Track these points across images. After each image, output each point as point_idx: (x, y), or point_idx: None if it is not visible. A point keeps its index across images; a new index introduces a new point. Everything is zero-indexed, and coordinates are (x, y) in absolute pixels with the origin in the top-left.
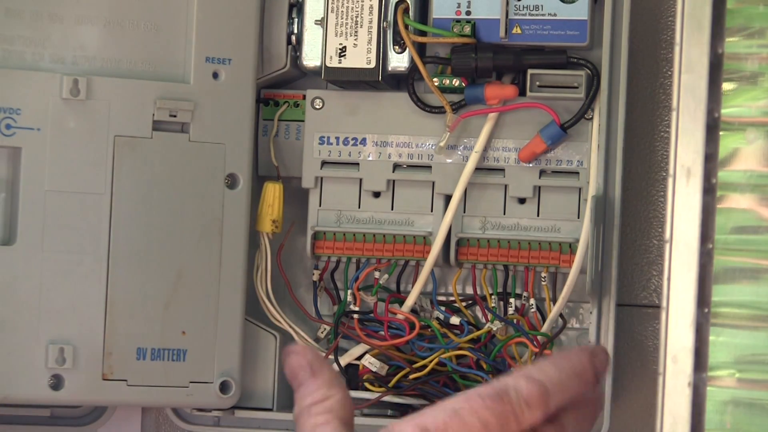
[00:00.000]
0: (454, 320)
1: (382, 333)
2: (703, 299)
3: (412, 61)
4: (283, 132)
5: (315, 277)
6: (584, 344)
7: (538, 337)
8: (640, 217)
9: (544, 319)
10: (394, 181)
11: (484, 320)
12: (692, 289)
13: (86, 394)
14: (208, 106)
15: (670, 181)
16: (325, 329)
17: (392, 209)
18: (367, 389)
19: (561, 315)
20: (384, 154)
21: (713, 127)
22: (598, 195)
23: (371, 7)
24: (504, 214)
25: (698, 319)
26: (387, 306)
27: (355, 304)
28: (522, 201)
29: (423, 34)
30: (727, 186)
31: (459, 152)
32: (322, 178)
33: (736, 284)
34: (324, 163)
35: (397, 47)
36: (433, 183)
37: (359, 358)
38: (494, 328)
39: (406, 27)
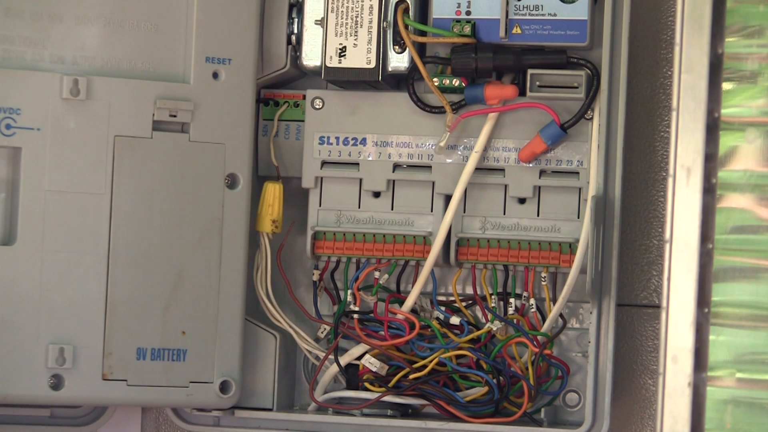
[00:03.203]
0: (454, 320)
1: (382, 333)
2: (703, 299)
3: (412, 61)
4: (283, 132)
5: (315, 277)
6: (584, 344)
7: (538, 337)
8: (640, 217)
9: (544, 319)
10: (394, 181)
11: (484, 320)
12: (692, 289)
13: (86, 394)
14: (208, 106)
15: (670, 181)
16: (325, 329)
17: (392, 209)
18: (367, 389)
19: (561, 315)
20: (384, 154)
21: (713, 127)
22: (598, 195)
23: (371, 7)
24: (504, 214)
25: (698, 319)
26: (387, 306)
27: (355, 304)
28: (522, 201)
29: (423, 34)
30: (726, 186)
31: (459, 152)
32: (322, 178)
33: (736, 284)
34: (324, 163)
35: (397, 47)
36: (433, 183)
37: (359, 358)
38: (494, 328)
39: (406, 27)
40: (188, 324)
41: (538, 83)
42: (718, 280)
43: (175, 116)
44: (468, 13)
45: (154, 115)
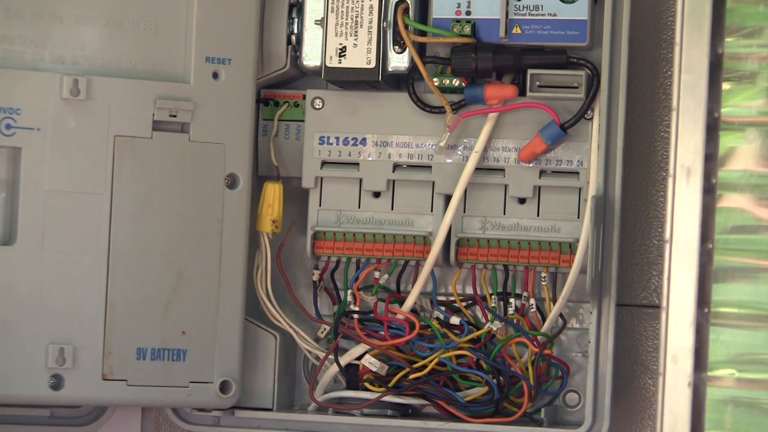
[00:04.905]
0: (454, 320)
1: (382, 333)
2: (703, 299)
3: (412, 61)
4: (283, 132)
5: (315, 277)
6: (584, 344)
7: (538, 337)
8: (640, 217)
9: (544, 319)
10: (394, 181)
11: (484, 320)
12: (692, 289)
13: (86, 394)
14: (208, 106)
15: (670, 181)
16: (325, 329)
17: (392, 209)
18: (367, 389)
19: (561, 315)
20: (384, 154)
21: (713, 127)
22: (598, 195)
23: (371, 7)
24: (504, 214)
25: (698, 319)
26: (387, 306)
27: (355, 304)
28: (522, 201)
29: (423, 34)
30: (726, 186)
31: (459, 152)
32: (322, 178)
33: (736, 284)
34: (324, 163)
35: (397, 47)
36: (433, 183)
37: (359, 358)
38: (494, 328)
39: (406, 27)
40: (188, 324)
41: (538, 83)
42: (718, 280)
43: (175, 116)
44: (468, 13)
45: (154, 115)
